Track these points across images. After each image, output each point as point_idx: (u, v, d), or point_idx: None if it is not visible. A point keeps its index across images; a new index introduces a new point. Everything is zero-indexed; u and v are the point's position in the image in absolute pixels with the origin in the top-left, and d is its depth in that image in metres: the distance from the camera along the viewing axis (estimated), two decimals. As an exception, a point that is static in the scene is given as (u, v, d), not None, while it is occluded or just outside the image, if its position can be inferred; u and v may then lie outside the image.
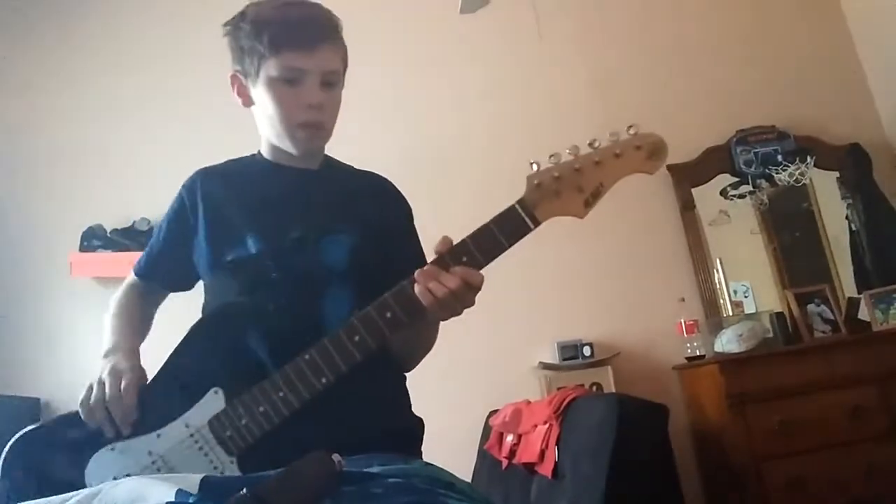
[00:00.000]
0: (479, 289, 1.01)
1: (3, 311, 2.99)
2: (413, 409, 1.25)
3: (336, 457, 0.74)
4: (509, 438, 2.40)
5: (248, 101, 1.22)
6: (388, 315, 1.00)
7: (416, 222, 1.35)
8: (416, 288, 1.00)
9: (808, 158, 3.10)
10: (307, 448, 0.78)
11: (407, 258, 1.18)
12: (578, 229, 3.39)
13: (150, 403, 1.06)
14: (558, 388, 2.60)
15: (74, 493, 0.72)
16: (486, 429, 2.66)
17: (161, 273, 1.31)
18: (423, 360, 1.31)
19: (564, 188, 1.02)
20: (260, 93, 1.17)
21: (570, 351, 2.86)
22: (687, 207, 3.11)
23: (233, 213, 1.19)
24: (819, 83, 3.26)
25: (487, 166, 3.09)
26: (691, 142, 3.14)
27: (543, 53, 3.23)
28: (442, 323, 1.22)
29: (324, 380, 1.01)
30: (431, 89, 3.19)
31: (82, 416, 1.05)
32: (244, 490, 0.69)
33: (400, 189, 1.34)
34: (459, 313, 1.03)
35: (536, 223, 1.02)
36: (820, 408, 2.47)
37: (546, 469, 2.09)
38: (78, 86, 3.20)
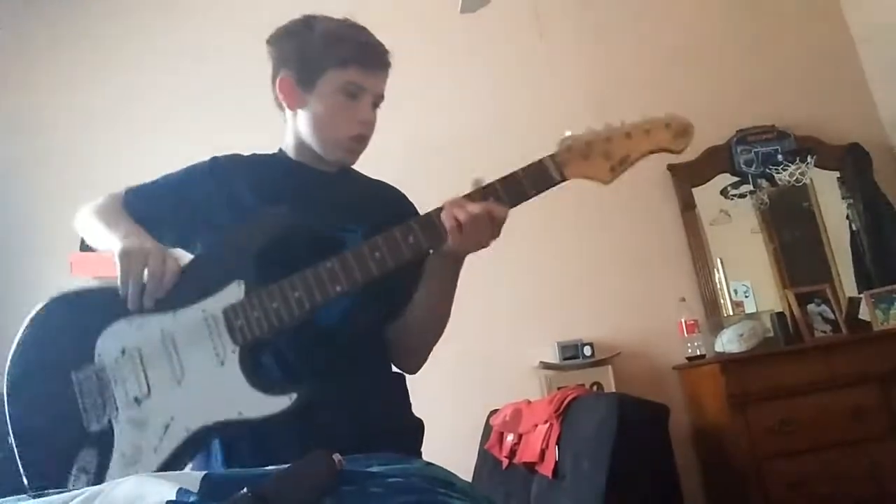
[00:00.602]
0: (500, 223, 1.07)
1: (3, 310, 2.99)
2: (413, 409, 1.25)
3: (336, 456, 0.74)
4: (510, 438, 2.40)
5: (294, 105, 1.25)
6: (411, 239, 1.06)
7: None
8: (442, 213, 1.06)
9: (809, 158, 3.10)
10: (308, 444, 0.78)
11: (413, 266, 1.20)
12: (579, 229, 3.41)
13: (177, 286, 1.08)
14: (559, 388, 2.60)
15: (75, 492, 0.72)
16: (487, 428, 2.66)
17: (153, 218, 1.24)
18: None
19: (593, 153, 1.10)
20: (314, 99, 1.22)
21: (571, 350, 2.86)
22: (687, 207, 3.11)
23: (249, 201, 1.21)
24: (819, 83, 3.26)
25: (487, 166, 3.08)
26: (691, 141, 3.14)
27: (543, 52, 3.23)
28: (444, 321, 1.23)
29: (339, 287, 1.04)
30: (432, 88, 3.19)
31: (120, 285, 1.06)
32: (245, 489, 0.69)
33: (399, 187, 1.36)
34: (474, 246, 1.08)
35: (563, 179, 1.09)
36: (820, 408, 2.47)
37: (546, 469, 2.09)
38: (79, 85, 3.21)
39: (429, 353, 1.29)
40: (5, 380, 1.08)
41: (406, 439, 1.17)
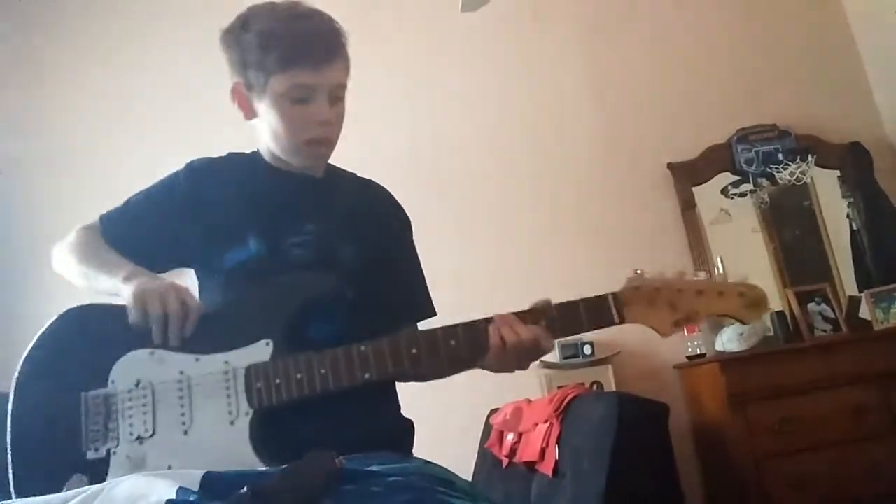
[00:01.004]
0: (543, 354, 1.06)
1: (2, 309, 2.99)
2: (412, 409, 1.24)
3: (336, 455, 0.74)
4: (510, 437, 2.40)
5: (250, 114, 1.18)
6: (452, 342, 1.04)
7: (413, 221, 1.36)
8: (491, 328, 1.04)
9: (809, 157, 3.09)
10: (306, 443, 0.79)
11: (405, 272, 1.22)
12: (579, 227, 3.39)
13: (204, 329, 1.05)
14: (559, 387, 2.60)
15: (76, 491, 0.73)
16: (487, 427, 2.66)
17: (131, 244, 1.17)
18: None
19: (659, 300, 1.06)
20: (265, 107, 1.14)
21: (571, 349, 2.86)
22: (688, 206, 3.10)
23: (234, 210, 1.16)
24: (820, 81, 3.26)
25: (487, 164, 3.09)
26: (692, 140, 3.14)
27: (544, 51, 3.23)
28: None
29: (367, 375, 1.02)
30: (432, 87, 3.19)
31: (131, 321, 1.02)
32: (245, 488, 0.69)
33: (399, 185, 1.35)
34: (513, 369, 1.06)
35: (622, 320, 1.05)
36: (820, 407, 2.47)
37: (546, 468, 2.09)
38: (78, 85, 3.20)
39: (414, 381, 1.27)
40: (15, 377, 1.05)
41: (399, 440, 1.15)
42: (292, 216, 1.17)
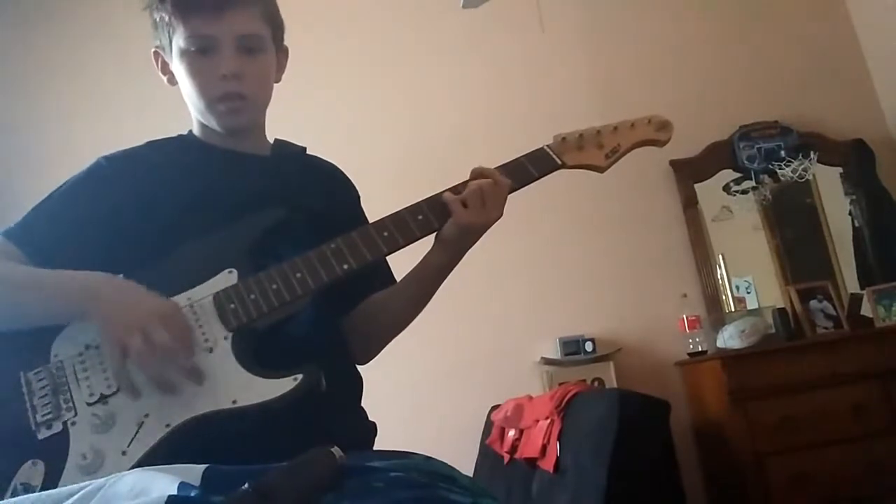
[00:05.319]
0: (504, 195, 1.06)
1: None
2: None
3: (337, 451, 0.74)
4: (511, 433, 2.40)
5: (172, 80, 1.12)
6: (420, 217, 1.04)
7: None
8: (447, 195, 1.05)
9: (812, 154, 3.09)
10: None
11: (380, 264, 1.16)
12: (581, 224, 3.39)
13: (158, 276, 0.96)
14: (560, 384, 2.60)
15: (79, 485, 0.73)
16: (488, 424, 2.66)
17: (65, 243, 1.04)
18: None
19: (586, 144, 1.15)
20: (177, 68, 1.08)
21: (572, 346, 2.86)
22: (689, 203, 3.10)
23: (164, 212, 1.04)
24: (823, 78, 3.25)
25: (489, 161, 3.08)
26: (694, 137, 3.13)
27: (546, 47, 3.23)
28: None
29: (346, 266, 0.98)
30: (434, 84, 3.18)
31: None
32: (246, 484, 0.69)
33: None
34: (482, 220, 1.04)
35: (564, 164, 1.12)
36: (822, 404, 2.47)
37: (548, 464, 2.10)
38: (77, 84, 3.20)
39: (385, 345, 1.22)
40: None
41: (369, 443, 1.09)
42: (234, 210, 1.04)
